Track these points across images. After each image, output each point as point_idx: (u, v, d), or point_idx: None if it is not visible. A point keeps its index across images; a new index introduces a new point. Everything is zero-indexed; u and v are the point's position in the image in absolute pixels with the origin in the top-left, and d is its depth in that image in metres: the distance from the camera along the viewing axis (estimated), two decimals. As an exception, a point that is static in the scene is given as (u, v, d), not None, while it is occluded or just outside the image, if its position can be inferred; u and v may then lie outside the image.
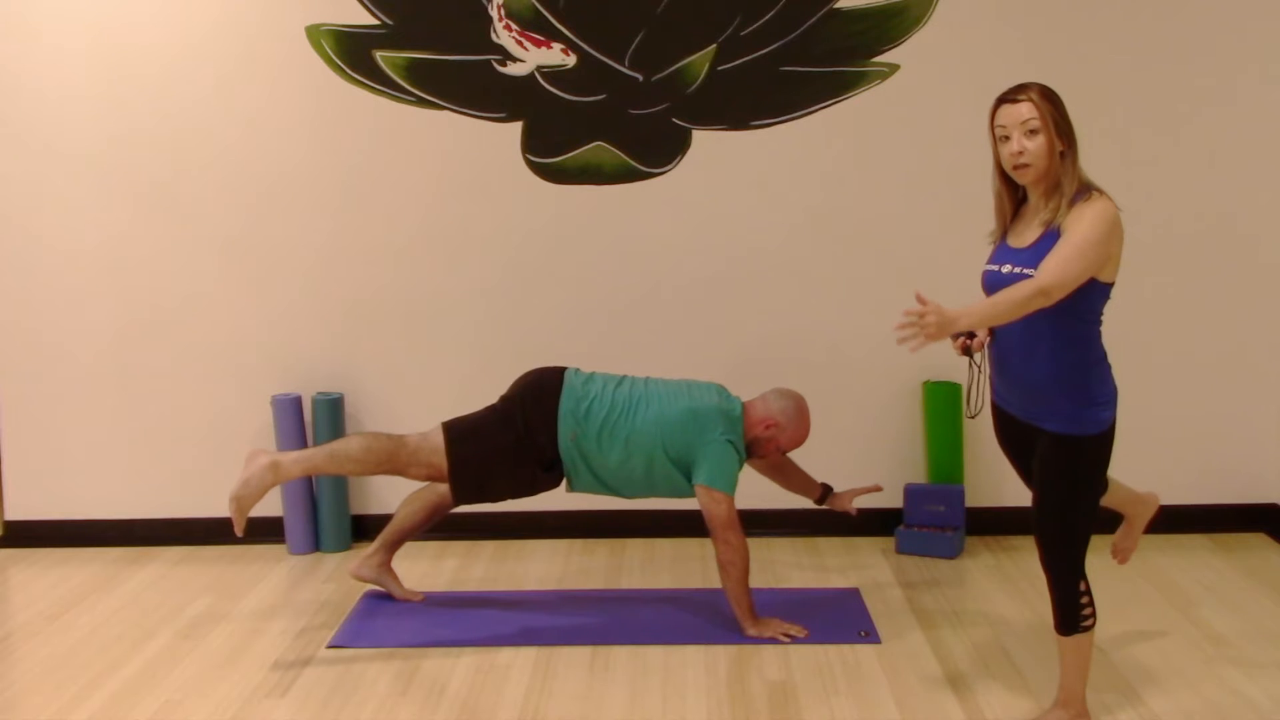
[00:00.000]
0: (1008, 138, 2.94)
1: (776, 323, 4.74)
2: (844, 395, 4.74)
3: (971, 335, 3.19)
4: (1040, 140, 2.90)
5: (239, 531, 3.71)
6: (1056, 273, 2.78)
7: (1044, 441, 3.02)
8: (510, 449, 3.81)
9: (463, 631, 3.88)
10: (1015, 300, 2.78)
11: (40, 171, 4.69)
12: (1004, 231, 3.10)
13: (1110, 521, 4.68)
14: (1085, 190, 2.92)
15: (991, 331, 3.10)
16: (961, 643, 3.76)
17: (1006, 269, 2.97)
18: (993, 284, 3.01)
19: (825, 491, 4.21)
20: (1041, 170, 2.92)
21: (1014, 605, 4.06)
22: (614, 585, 4.34)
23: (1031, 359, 2.97)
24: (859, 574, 4.39)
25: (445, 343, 4.77)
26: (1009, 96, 2.96)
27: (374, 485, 4.81)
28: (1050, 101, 2.92)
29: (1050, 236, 2.89)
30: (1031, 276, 2.83)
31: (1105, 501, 3.35)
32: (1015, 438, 3.16)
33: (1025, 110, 2.90)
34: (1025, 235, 2.99)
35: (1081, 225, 2.84)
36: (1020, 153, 2.91)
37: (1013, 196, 3.07)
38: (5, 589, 4.42)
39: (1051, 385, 2.97)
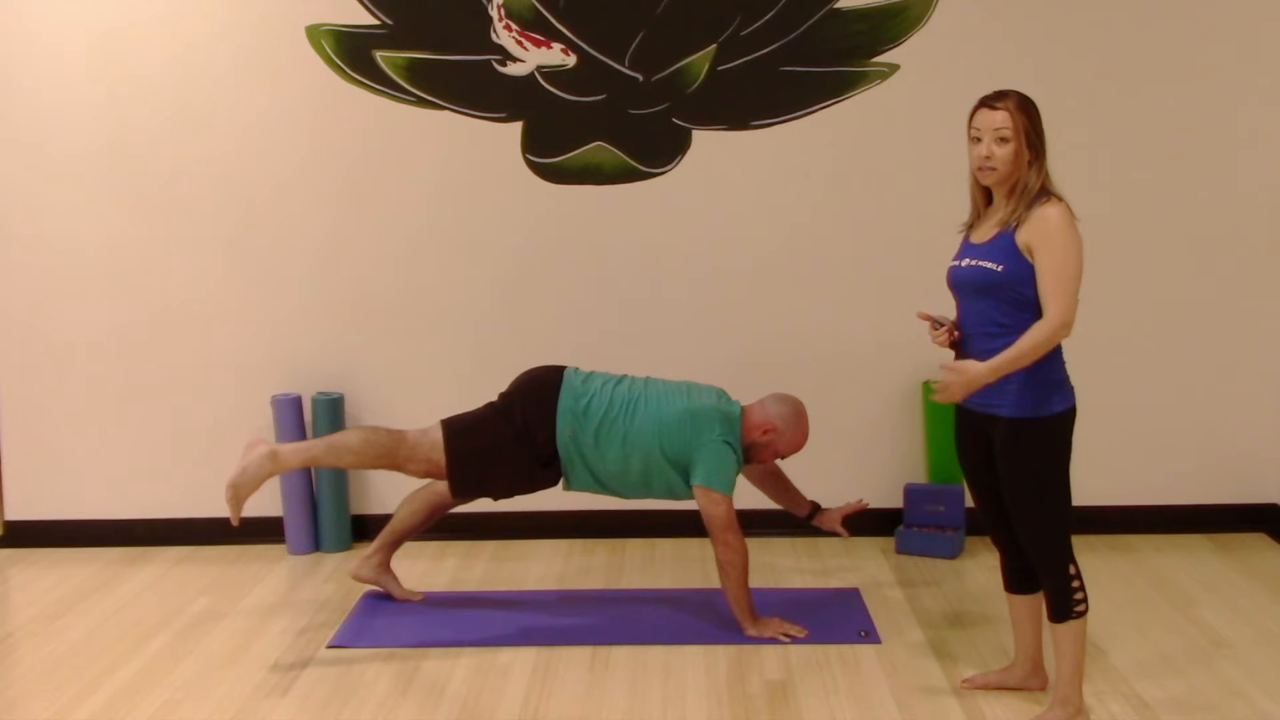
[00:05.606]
0: (979, 140, 3.06)
1: (776, 322, 4.74)
2: (844, 395, 4.74)
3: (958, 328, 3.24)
4: (1009, 148, 3.03)
5: (234, 521, 3.71)
6: (1064, 306, 2.95)
7: (1001, 432, 3.08)
8: (508, 445, 3.81)
9: (462, 632, 3.88)
10: (1038, 342, 2.96)
11: (40, 171, 4.69)
12: (970, 225, 3.21)
13: (1105, 522, 4.74)
14: (1043, 194, 3.02)
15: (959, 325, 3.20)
16: (961, 643, 3.76)
17: (966, 263, 3.12)
18: (956, 278, 3.15)
19: (814, 509, 4.21)
20: (1004, 175, 3.05)
21: (1014, 605, 4.06)
22: (614, 585, 4.34)
23: (989, 350, 3.05)
24: (859, 574, 4.39)
25: (445, 342, 4.77)
26: (988, 102, 3.07)
27: (374, 485, 4.81)
28: (1025, 113, 3.03)
29: (1005, 236, 3.03)
30: (989, 269, 3.02)
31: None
32: (972, 434, 3.21)
33: (1000, 118, 3.03)
34: (985, 232, 3.12)
35: (1054, 247, 2.96)
36: (988, 157, 3.05)
37: (983, 192, 3.18)
38: (5, 589, 4.42)
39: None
